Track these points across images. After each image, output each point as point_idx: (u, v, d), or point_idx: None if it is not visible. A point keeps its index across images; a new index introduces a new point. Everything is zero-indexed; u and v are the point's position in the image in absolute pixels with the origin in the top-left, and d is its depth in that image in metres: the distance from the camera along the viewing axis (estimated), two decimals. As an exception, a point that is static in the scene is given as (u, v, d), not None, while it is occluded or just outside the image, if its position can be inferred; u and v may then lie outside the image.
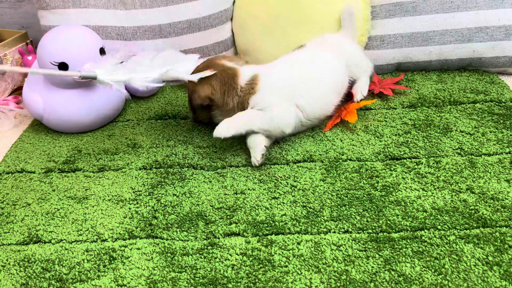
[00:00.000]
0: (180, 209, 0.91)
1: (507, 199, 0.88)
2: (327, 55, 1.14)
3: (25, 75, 1.40)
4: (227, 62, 1.07)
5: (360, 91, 1.17)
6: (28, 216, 0.91)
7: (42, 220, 0.90)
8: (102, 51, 1.11)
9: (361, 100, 1.16)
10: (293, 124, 1.05)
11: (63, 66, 1.06)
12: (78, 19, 1.30)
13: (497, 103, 1.17)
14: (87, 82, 1.09)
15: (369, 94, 1.22)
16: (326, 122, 1.13)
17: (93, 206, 0.93)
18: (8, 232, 0.88)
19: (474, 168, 0.96)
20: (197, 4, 1.30)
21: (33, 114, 1.15)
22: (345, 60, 1.16)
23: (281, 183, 0.96)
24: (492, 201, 0.88)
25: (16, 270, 0.80)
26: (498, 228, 0.82)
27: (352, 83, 1.19)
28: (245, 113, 1.02)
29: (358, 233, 0.83)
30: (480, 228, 0.83)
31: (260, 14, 1.33)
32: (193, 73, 1.04)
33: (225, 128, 0.98)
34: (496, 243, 0.79)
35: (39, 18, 1.33)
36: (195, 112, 1.13)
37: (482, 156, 1.00)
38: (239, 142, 1.09)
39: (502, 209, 0.86)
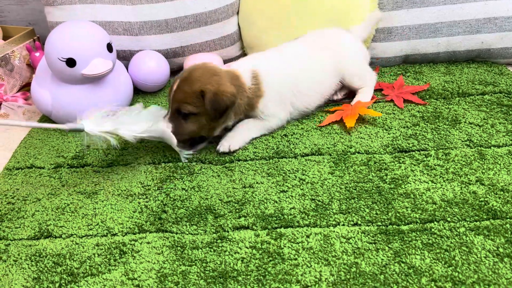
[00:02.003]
0: (189, 203, 0.91)
1: (517, 190, 0.87)
2: (322, 53, 1.15)
3: (32, 71, 1.41)
4: (215, 65, 1.06)
5: (366, 96, 1.17)
6: (38, 211, 0.92)
7: (52, 215, 0.91)
8: (109, 47, 1.11)
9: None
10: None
11: (70, 62, 1.07)
12: (85, 14, 1.31)
13: (506, 95, 1.16)
14: (96, 78, 1.10)
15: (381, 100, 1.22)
16: (325, 117, 1.13)
17: (102, 201, 0.93)
18: (19, 227, 0.89)
19: (483, 160, 0.96)
20: (203, -1, 1.30)
21: (41, 110, 1.16)
22: (340, 64, 1.15)
23: (289, 176, 0.96)
24: (502, 192, 0.87)
25: (28, 264, 0.80)
26: (508, 219, 0.82)
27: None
28: (244, 126, 1.08)
29: (368, 225, 0.83)
30: (490, 220, 0.82)
31: (267, 8, 1.32)
32: (180, 76, 1.02)
33: (232, 144, 1.04)
34: (507, 235, 0.79)
35: (45, 15, 1.34)
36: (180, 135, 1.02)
37: (492, 147, 0.99)
38: (247, 136, 1.09)
39: (512, 201, 0.85)
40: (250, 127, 1.08)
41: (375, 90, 1.22)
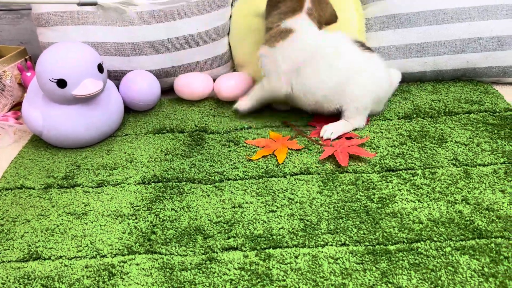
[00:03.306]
0: (179, 223, 0.91)
1: (501, 209, 0.89)
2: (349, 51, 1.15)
3: (24, 90, 1.41)
4: None
5: (331, 130, 1.14)
6: (28, 232, 0.92)
7: (41, 236, 0.91)
8: (100, 67, 1.12)
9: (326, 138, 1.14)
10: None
11: (61, 83, 1.07)
12: (77, 35, 1.32)
13: (491, 113, 1.19)
14: (86, 98, 1.11)
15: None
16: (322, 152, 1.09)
17: (92, 222, 0.93)
18: (8, 249, 0.89)
19: (469, 178, 0.98)
20: (194, 20, 1.32)
21: (32, 130, 1.17)
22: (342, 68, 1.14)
23: (278, 196, 0.97)
24: (487, 211, 0.89)
25: (16, 287, 0.80)
26: (493, 239, 0.83)
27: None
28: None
29: (355, 245, 0.84)
30: (476, 239, 0.83)
31: (258, 26, 1.34)
32: None
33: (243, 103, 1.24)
34: (492, 254, 0.80)
35: (38, 35, 1.35)
36: None
37: (477, 166, 1.01)
38: (237, 155, 1.10)
39: (497, 220, 0.87)
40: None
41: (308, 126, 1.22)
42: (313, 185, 0.99)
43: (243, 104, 1.25)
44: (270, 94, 1.19)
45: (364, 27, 1.31)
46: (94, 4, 0.86)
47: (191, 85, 1.32)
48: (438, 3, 1.27)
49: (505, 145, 1.06)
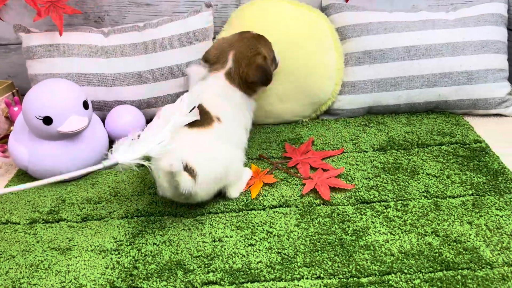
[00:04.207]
0: (160, 258, 0.94)
1: (468, 241, 0.93)
2: None
3: (11, 123, 1.44)
4: None
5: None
6: (12, 269, 0.94)
7: (26, 272, 0.93)
8: (85, 104, 1.16)
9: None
10: None
11: (47, 120, 1.11)
12: (63, 67, 1.36)
13: (461, 145, 1.24)
14: (72, 134, 1.14)
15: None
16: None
17: (76, 257, 0.96)
18: (-7, 285, 0.91)
19: (439, 210, 1.02)
20: (175, 52, 1.37)
21: (18, 165, 1.19)
22: None
23: (257, 229, 1.00)
24: (455, 243, 0.93)
25: (0, 324, 0.82)
26: (460, 270, 0.87)
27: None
28: None
29: (330, 278, 0.88)
30: (444, 271, 0.88)
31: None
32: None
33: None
34: (458, 286, 0.84)
35: (27, 68, 1.39)
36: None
37: (447, 198, 1.06)
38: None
39: (464, 252, 0.91)
40: None
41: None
42: (291, 218, 1.03)
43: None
44: None
45: (342, 65, 1.37)
46: (116, 164, 0.97)
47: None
48: (410, 40, 1.34)
49: (473, 177, 1.12)
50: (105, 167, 0.98)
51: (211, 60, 1.20)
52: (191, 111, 1.04)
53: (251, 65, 1.15)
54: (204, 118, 1.06)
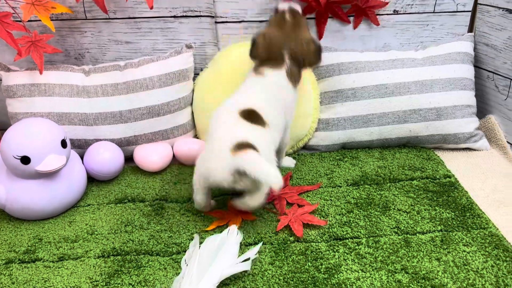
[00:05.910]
0: (135, 299, 0.95)
1: (436, 278, 0.96)
2: None
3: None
4: None
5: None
6: (-14, 312, 0.94)
7: (0, 315, 0.93)
8: (63, 143, 1.18)
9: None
10: None
11: (25, 159, 1.12)
12: (44, 106, 1.38)
13: (432, 180, 1.28)
14: (50, 173, 1.15)
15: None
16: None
17: (51, 299, 0.96)
18: (-34, 330, 0.90)
19: (409, 247, 1.05)
20: (156, 92, 1.40)
21: (-5, 204, 1.20)
22: None
23: (232, 267, 1.02)
24: (423, 280, 0.96)
25: None
26: (427, 308, 0.90)
27: None
28: None
29: (302, 318, 0.90)
30: (412, 308, 0.90)
31: (220, 94, 1.41)
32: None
33: None
34: (425, 324, 0.87)
35: (6, 106, 1.40)
36: None
37: (417, 234, 1.09)
38: (195, 225, 1.15)
39: (431, 289, 0.94)
40: None
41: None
42: (265, 256, 1.05)
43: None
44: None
45: (319, 104, 1.43)
46: None
47: (149, 157, 1.39)
48: (380, 78, 1.40)
49: (442, 213, 1.15)
50: None
51: (261, 58, 1.24)
52: (244, 261, 1.01)
53: (310, 54, 1.24)
54: (258, 120, 1.14)
